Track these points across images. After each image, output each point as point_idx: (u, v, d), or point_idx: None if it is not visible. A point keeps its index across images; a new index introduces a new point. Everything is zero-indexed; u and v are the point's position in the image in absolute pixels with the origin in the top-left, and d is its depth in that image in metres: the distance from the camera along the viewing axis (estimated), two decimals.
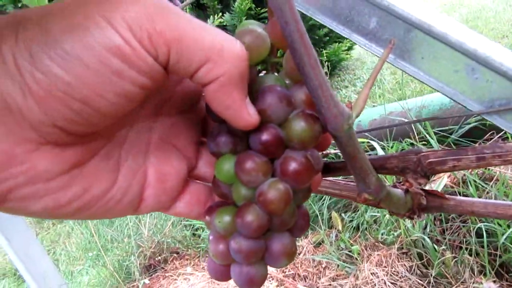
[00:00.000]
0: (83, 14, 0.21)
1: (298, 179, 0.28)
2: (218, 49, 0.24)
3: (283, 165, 0.29)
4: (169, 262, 2.07)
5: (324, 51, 3.33)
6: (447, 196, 0.43)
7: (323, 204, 1.81)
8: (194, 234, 2.24)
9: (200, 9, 3.18)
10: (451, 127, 1.54)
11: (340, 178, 0.59)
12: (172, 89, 0.31)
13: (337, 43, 3.98)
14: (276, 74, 0.32)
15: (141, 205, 0.30)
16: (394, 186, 0.43)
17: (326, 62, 3.04)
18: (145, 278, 1.99)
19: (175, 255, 2.12)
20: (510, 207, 0.39)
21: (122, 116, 0.25)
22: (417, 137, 1.47)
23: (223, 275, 0.32)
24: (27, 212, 0.24)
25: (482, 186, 1.26)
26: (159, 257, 2.10)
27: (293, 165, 0.28)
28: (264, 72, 0.33)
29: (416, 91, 3.14)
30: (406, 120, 1.50)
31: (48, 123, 0.22)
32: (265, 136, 0.28)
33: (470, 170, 1.35)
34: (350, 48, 4.25)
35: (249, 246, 0.29)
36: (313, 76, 0.25)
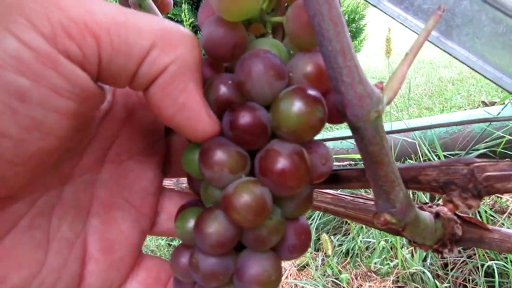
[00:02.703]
0: None
1: (283, 183, 0.21)
2: (164, 31, 0.19)
3: (263, 160, 0.22)
4: None
5: None
6: (490, 226, 0.35)
7: (311, 224, 1.71)
8: (169, 245, 2.13)
9: None
10: (457, 152, 1.44)
11: (346, 192, 0.52)
12: (117, 128, 0.26)
13: None
14: (275, 39, 0.25)
15: (82, 286, 0.24)
16: (420, 208, 0.35)
17: None
18: None
19: None
20: None
21: (46, 165, 0.19)
22: (421, 159, 1.38)
23: None
24: None
25: (493, 217, 1.16)
26: None
27: (275, 162, 0.21)
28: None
29: (414, 115, 3.08)
30: (410, 140, 1.40)
31: None
32: (238, 118, 0.21)
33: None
34: None
35: (209, 264, 0.23)
36: (333, 35, 0.18)
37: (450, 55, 0.38)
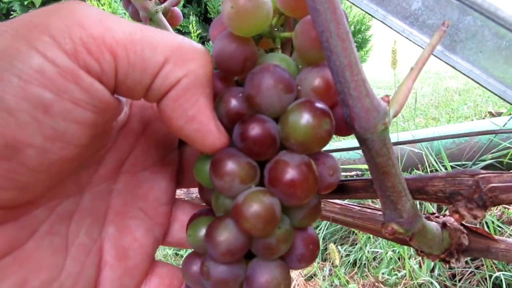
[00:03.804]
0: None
1: (292, 193, 0.22)
2: (177, 47, 0.20)
3: (272, 171, 0.22)
4: None
5: None
6: (496, 237, 0.35)
7: (318, 233, 1.69)
8: (176, 254, 2.11)
9: (207, 23, 3.10)
10: (464, 162, 1.43)
11: (353, 202, 0.51)
12: (133, 140, 0.26)
13: None
14: (283, 54, 0.26)
15: None
16: (427, 218, 0.36)
17: None
18: None
19: None
20: None
21: (65, 173, 0.20)
22: (428, 169, 1.37)
23: None
24: None
25: (501, 228, 1.14)
26: None
27: (284, 173, 0.22)
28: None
29: (421, 126, 3.06)
30: (416, 150, 1.39)
31: None
32: (249, 130, 0.22)
33: (489, 211, 1.24)
34: None
35: (219, 272, 0.23)
36: (340, 51, 0.19)
37: (454, 68, 0.39)
